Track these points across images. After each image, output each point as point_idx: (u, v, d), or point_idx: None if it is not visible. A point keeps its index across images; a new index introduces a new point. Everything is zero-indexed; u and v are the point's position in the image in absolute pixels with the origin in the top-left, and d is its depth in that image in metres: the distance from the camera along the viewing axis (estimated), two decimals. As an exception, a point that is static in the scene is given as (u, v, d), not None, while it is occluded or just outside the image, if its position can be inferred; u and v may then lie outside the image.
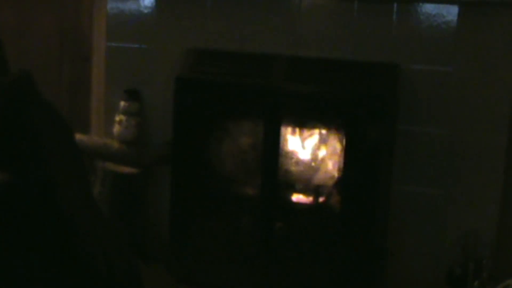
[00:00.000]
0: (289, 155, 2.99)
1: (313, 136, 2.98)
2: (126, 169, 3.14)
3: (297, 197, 3.00)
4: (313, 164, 3.01)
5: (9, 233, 1.01)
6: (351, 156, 2.78)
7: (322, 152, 2.99)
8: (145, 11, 3.16)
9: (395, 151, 2.87)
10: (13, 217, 1.02)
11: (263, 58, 2.98)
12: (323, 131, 2.97)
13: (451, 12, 2.77)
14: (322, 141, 2.98)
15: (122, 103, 3.14)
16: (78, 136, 2.98)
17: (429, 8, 2.79)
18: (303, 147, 3.00)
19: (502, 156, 2.78)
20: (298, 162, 3.01)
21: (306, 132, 2.99)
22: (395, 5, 2.83)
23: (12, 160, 1.03)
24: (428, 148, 2.85)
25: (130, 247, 1.25)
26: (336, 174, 2.94)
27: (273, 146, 2.87)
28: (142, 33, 3.18)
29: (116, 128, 3.15)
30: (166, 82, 3.03)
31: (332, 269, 2.82)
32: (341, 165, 2.87)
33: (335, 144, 2.95)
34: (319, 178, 3.00)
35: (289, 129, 2.98)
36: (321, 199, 2.95)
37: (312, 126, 2.98)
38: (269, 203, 2.91)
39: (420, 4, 2.80)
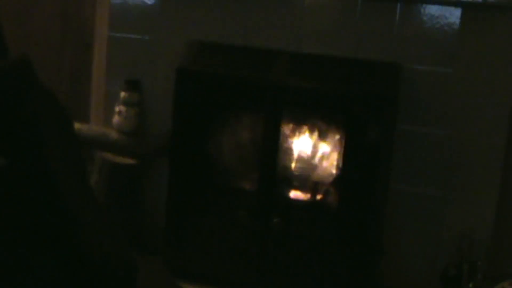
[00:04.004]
0: (288, 151, 2.99)
1: (313, 133, 2.98)
2: (124, 160, 3.14)
3: (294, 193, 3.00)
4: (311, 161, 3.01)
5: (4, 218, 1.01)
6: (350, 154, 2.78)
7: (321, 149, 2.99)
8: (149, 2, 3.16)
9: (394, 150, 2.87)
10: (9, 202, 1.02)
11: (265, 53, 2.97)
12: (323, 128, 2.97)
13: (454, 14, 2.77)
14: (322, 138, 2.98)
15: (122, 93, 3.14)
16: (77, 125, 2.98)
17: (432, 9, 2.79)
18: (302, 143, 3.00)
19: (500, 157, 2.78)
20: (297, 158, 3.01)
21: (305, 129, 2.99)
22: (398, 5, 2.83)
23: (9, 145, 1.03)
24: (426, 148, 2.85)
25: (125, 237, 1.25)
26: (334, 171, 2.95)
27: (272, 141, 2.86)
28: (144, 24, 3.18)
29: (116, 118, 3.15)
30: (167, 73, 3.03)
31: (327, 266, 2.82)
32: (340, 162, 2.88)
33: (335, 142, 2.96)
34: (317, 175, 3.00)
35: (289, 125, 2.98)
36: (318, 196, 2.95)
37: (312, 123, 2.97)
38: (267, 198, 2.91)
39: (424, 5, 2.80)
